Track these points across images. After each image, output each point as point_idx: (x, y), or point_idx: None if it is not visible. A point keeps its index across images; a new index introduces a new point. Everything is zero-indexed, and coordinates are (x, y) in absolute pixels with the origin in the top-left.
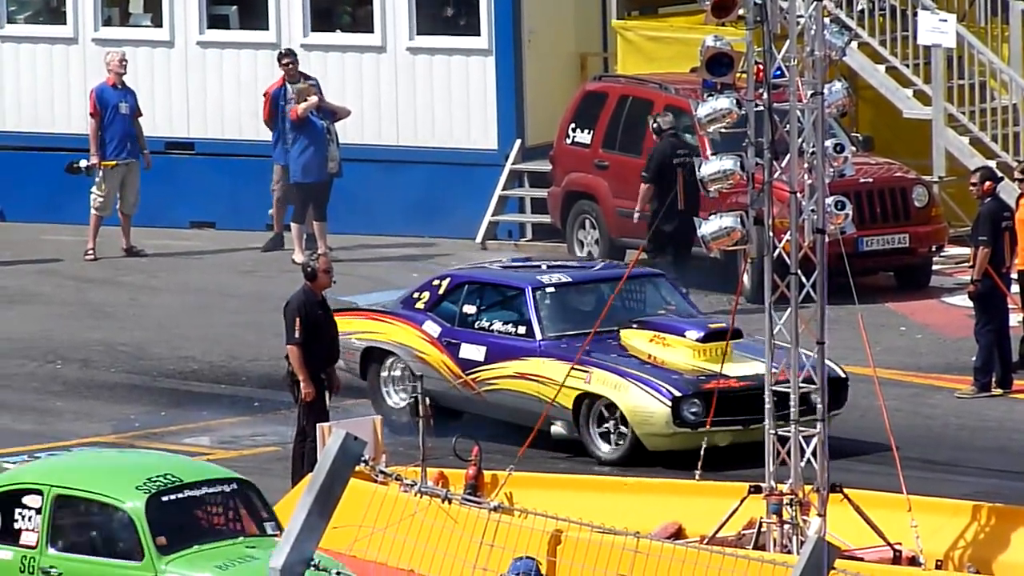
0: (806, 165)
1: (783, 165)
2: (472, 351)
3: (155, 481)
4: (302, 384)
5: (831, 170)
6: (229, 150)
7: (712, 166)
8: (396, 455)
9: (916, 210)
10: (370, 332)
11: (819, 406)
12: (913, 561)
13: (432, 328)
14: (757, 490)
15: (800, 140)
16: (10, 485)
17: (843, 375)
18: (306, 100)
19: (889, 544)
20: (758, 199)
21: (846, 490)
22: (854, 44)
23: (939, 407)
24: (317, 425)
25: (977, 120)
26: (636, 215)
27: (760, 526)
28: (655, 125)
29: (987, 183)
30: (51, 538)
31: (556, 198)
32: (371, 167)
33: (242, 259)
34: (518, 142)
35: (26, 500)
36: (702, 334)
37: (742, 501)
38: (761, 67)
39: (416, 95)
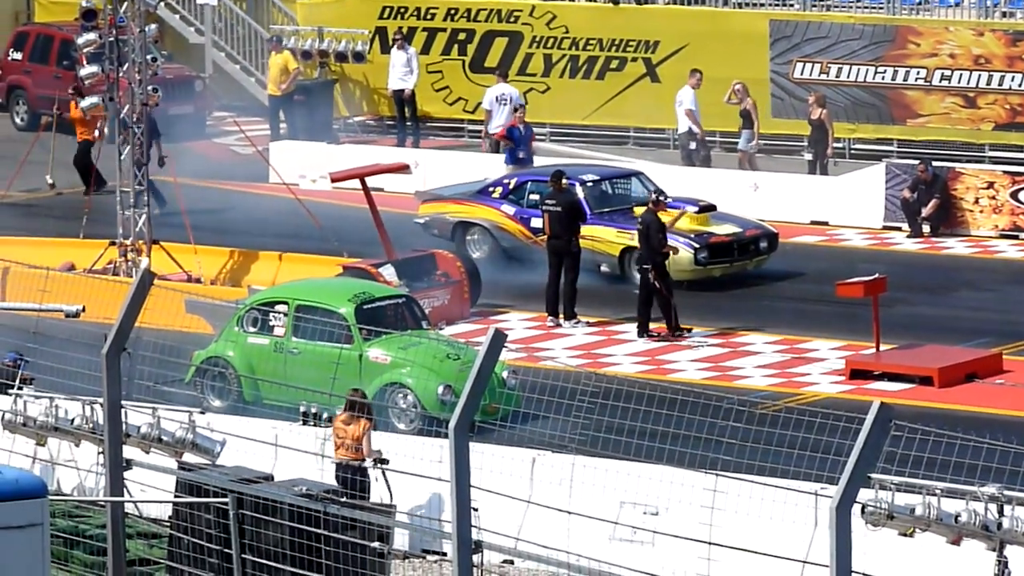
0: (137, 69)
1: (124, 68)
2: (540, 223)
3: (359, 296)
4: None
5: (150, 72)
6: None
7: (89, 69)
8: None
9: None
10: (459, 212)
11: None
12: (199, 281)
13: (508, 209)
14: (114, 243)
15: (133, 54)
16: (265, 298)
17: (775, 231)
18: None
19: (185, 271)
20: (111, 88)
21: (163, 243)
22: None
23: None
24: None
25: None
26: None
27: (116, 265)
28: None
29: None
30: (294, 331)
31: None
32: None
33: None
34: None
35: (277, 308)
36: (696, 208)
37: (105, 250)
38: (112, 16)
39: None
